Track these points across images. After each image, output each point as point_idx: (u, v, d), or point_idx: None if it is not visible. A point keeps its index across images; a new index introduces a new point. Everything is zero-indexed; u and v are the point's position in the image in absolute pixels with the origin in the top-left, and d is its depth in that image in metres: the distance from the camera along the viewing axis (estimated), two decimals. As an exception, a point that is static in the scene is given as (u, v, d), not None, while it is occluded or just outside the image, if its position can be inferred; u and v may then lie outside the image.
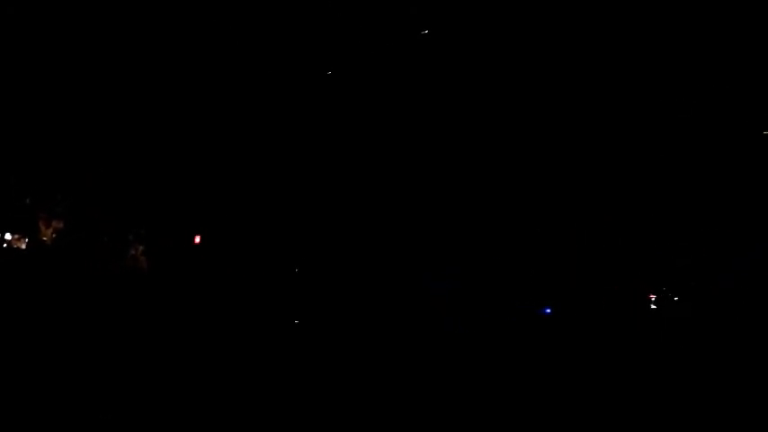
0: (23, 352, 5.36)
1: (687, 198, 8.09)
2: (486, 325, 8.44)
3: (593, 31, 8.37)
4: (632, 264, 8.27)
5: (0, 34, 9.41)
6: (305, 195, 12.14)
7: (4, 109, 9.86)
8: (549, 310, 8.69)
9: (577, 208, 9.08)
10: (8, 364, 4.95)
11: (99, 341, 6.10)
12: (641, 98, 8.42)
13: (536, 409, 5.13)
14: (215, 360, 5.98)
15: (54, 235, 9.25)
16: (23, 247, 9.39)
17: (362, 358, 6.74)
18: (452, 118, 10.13)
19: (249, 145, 12.29)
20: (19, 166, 9.78)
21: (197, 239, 11.61)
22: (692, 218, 8.03)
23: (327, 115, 11.28)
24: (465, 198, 10.11)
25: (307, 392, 5.09)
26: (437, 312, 8.73)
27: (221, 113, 11.56)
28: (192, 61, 10.45)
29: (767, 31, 6.96)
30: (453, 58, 9.51)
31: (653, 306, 8.43)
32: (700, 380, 6.32)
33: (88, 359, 5.38)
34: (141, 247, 9.49)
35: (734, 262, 7.67)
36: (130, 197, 10.79)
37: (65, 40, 9.79)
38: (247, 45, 10.26)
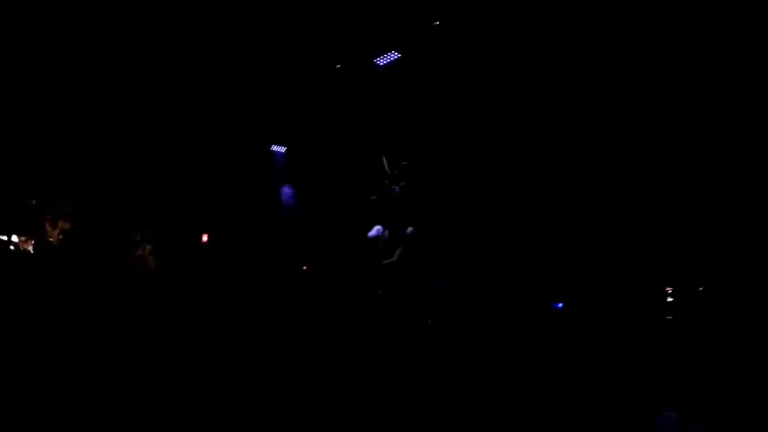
0: (24, 351, 5.39)
1: (687, 198, 8.08)
2: (486, 325, 8.45)
3: (593, 30, 8.36)
4: (632, 264, 8.27)
5: (0, 34, 9.44)
6: (308, 195, 12.18)
7: (4, 109, 9.90)
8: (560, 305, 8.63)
9: (577, 208, 9.09)
10: (9, 364, 4.99)
11: (100, 341, 6.13)
12: (641, 97, 8.41)
13: (537, 409, 5.15)
14: (218, 360, 6.01)
15: (60, 236, 9.24)
16: (30, 248, 9.38)
17: (363, 358, 6.76)
18: (451, 117, 10.14)
19: (253, 144, 12.32)
20: (19, 166, 9.82)
21: (204, 239, 11.65)
22: (692, 218, 8.02)
23: (327, 115, 11.30)
24: (464, 198, 10.13)
25: (307, 391, 5.11)
26: (437, 312, 8.75)
27: (224, 113, 11.59)
28: (197, 60, 10.47)
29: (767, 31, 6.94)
30: (452, 57, 9.51)
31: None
32: (700, 380, 6.32)
33: (89, 358, 5.41)
34: (149, 247, 9.43)
35: (734, 262, 7.64)
36: (132, 196, 10.84)
37: (65, 40, 9.82)
38: (249, 44, 10.27)
